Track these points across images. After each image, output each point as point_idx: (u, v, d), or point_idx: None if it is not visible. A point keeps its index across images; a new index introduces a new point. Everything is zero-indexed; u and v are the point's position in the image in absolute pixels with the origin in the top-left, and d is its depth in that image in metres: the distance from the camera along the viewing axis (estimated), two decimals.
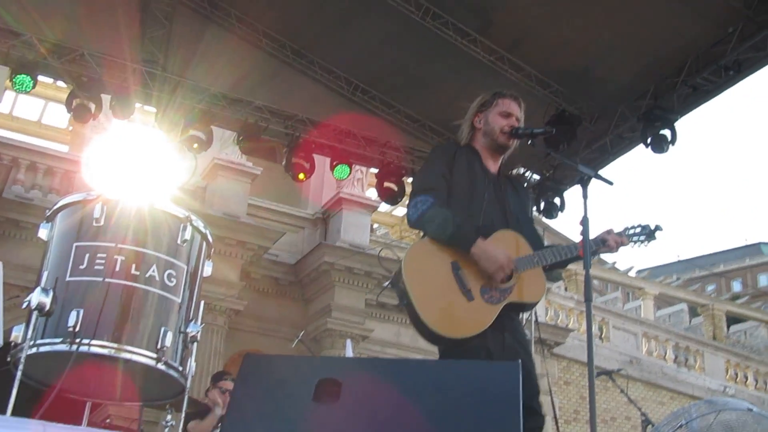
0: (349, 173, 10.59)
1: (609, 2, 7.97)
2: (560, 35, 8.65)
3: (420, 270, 3.84)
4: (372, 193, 15.09)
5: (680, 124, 8.54)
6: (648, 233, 4.22)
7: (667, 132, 8.50)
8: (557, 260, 4.04)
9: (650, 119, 8.52)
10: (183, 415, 3.70)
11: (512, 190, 4.29)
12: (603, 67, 8.81)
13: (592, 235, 4.02)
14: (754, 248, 69.33)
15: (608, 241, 4.12)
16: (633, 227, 4.24)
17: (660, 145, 8.51)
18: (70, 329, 3.32)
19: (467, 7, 8.58)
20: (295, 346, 10.47)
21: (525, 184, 9.93)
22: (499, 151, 4.27)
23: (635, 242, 4.22)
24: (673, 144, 8.50)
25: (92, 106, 9.25)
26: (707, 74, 8.11)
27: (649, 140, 8.56)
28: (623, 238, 4.19)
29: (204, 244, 3.89)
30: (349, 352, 8.96)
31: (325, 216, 16.83)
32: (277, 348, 14.29)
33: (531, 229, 4.24)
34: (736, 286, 59.79)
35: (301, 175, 10.13)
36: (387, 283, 3.97)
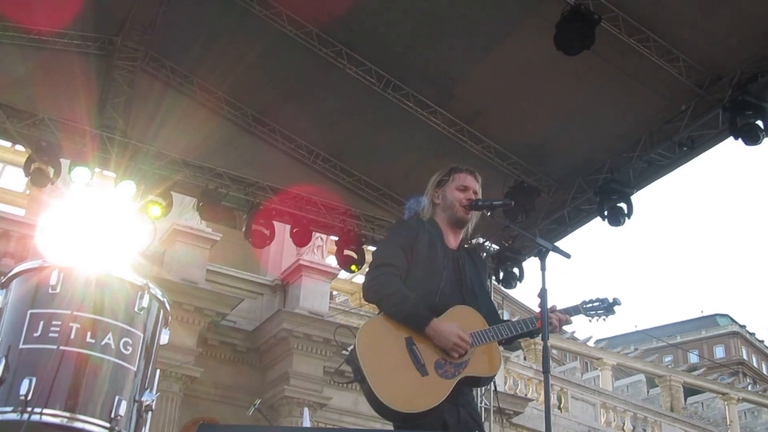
0: (309, 240, 10.59)
1: (567, 78, 8.15)
2: (519, 109, 8.81)
3: (374, 346, 3.85)
4: (332, 261, 15.08)
5: (637, 198, 8.68)
6: (606, 307, 4.21)
7: (623, 205, 8.62)
8: (512, 335, 4.05)
9: (606, 192, 8.65)
10: None
11: (471, 263, 4.32)
12: (561, 140, 8.97)
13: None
14: (710, 320, 70.09)
15: (551, 320, 4.12)
16: (591, 301, 4.24)
17: (616, 218, 8.62)
18: (22, 398, 3.25)
19: (428, 79, 8.73)
20: (252, 414, 10.33)
21: (484, 255, 10.08)
22: (458, 225, 4.31)
23: (593, 316, 4.23)
24: (629, 217, 8.62)
25: (50, 171, 9.20)
26: (662, 150, 8.28)
27: (605, 213, 8.67)
28: (566, 315, 4.18)
29: (161, 311, 3.85)
30: (307, 421, 8.87)
31: (284, 283, 16.76)
32: (233, 416, 14.07)
33: (488, 304, 4.26)
34: (693, 358, 60.20)
35: (261, 242, 10.12)
36: (344, 360, 3.96)
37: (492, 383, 10.85)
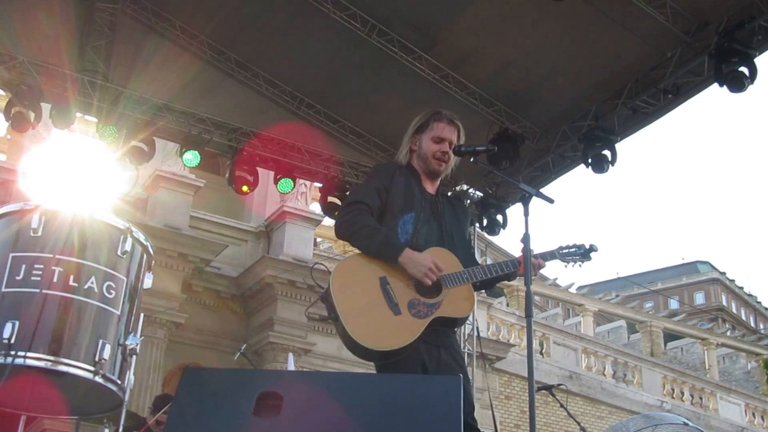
0: (293, 187, 10.57)
1: (552, 25, 8.10)
2: (504, 56, 8.76)
3: (348, 284, 3.87)
4: (316, 207, 15.08)
5: (621, 145, 8.70)
6: (583, 253, 4.24)
7: (607, 152, 8.64)
8: (487, 277, 4.07)
9: (591, 140, 8.66)
10: (121, 428, 3.64)
11: (451, 209, 4.33)
12: (546, 87, 8.93)
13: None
14: (691, 267, 70.84)
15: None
16: (567, 247, 4.26)
17: (600, 166, 8.65)
18: (5, 341, 3.25)
19: (413, 25, 8.64)
20: (237, 359, 10.40)
21: (467, 201, 10.10)
22: (432, 176, 4.31)
23: (569, 261, 4.25)
24: (613, 164, 8.64)
25: (31, 115, 9.10)
26: (646, 97, 8.27)
27: (589, 160, 8.68)
28: (541, 260, 4.19)
29: (144, 255, 3.84)
30: (291, 366, 8.93)
31: (268, 229, 16.77)
32: (218, 361, 14.17)
33: (466, 249, 4.28)
34: (673, 304, 60.91)
35: (245, 188, 10.08)
36: (319, 297, 3.98)
37: (475, 328, 10.99)
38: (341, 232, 4.05)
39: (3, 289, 3.40)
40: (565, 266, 4.24)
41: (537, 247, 4.11)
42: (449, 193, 4.51)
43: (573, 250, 4.25)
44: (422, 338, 3.79)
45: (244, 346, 10.86)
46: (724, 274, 69.31)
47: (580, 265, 4.27)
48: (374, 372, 3.92)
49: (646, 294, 58.31)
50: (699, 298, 66.10)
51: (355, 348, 3.77)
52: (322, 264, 4.37)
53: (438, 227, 4.18)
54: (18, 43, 9.07)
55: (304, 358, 15.15)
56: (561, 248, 4.26)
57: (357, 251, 4.04)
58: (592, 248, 4.25)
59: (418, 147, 4.29)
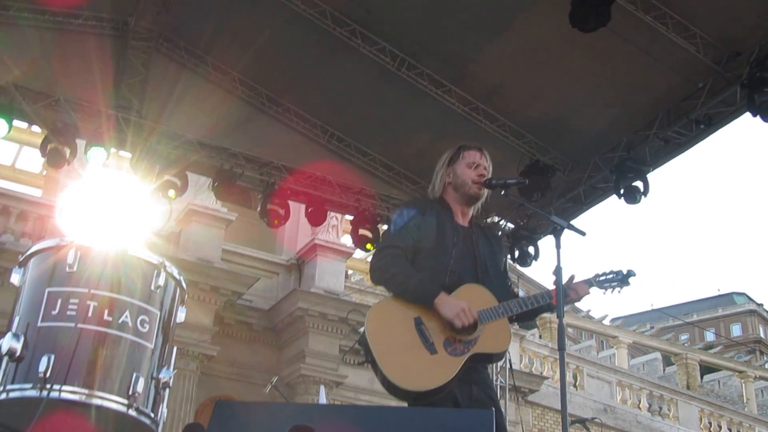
0: (324, 220, 10.61)
1: (582, 56, 8.10)
2: (534, 87, 8.77)
3: (383, 327, 3.88)
4: (347, 240, 15.11)
5: (653, 176, 8.65)
6: (621, 279, 4.19)
7: (639, 183, 8.59)
8: (523, 310, 4.04)
9: (623, 171, 8.62)
10: None
11: (485, 240, 4.32)
12: (576, 118, 8.92)
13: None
14: (727, 298, 69.84)
15: (569, 294, 4.11)
16: (605, 273, 4.23)
17: (633, 197, 8.60)
18: (41, 375, 3.29)
19: (442, 58, 8.69)
20: (268, 391, 10.40)
21: (499, 233, 10.08)
22: (470, 203, 4.31)
23: (607, 288, 4.21)
24: (645, 195, 8.59)
25: (67, 152, 9.25)
26: (678, 127, 8.24)
27: (621, 191, 8.64)
28: (586, 286, 4.17)
29: (178, 290, 3.88)
30: (323, 399, 8.92)
31: (299, 262, 16.81)
32: (249, 394, 14.15)
33: (502, 281, 4.26)
34: (709, 336, 60.11)
35: (276, 222, 10.14)
36: (356, 342, 3.99)
37: (507, 361, 10.93)
38: (376, 278, 4.07)
39: (39, 324, 3.45)
40: (604, 293, 4.20)
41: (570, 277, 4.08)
42: (482, 224, 4.49)
43: (611, 276, 4.20)
44: (455, 375, 3.78)
45: (276, 378, 10.86)
46: (761, 305, 68.24)
47: (619, 291, 4.20)
48: (406, 406, 3.91)
49: (682, 326, 57.59)
50: (736, 330, 65.10)
51: (393, 389, 3.76)
52: (350, 296, 4.39)
53: (472, 262, 4.17)
54: (54, 81, 9.24)
55: (335, 390, 15.10)
56: (598, 276, 4.22)
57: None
58: (630, 273, 4.21)
59: (453, 177, 4.30)
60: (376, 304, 4.02)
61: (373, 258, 4.13)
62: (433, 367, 3.76)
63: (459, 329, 3.86)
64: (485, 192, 4.29)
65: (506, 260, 10.09)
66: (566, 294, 4.08)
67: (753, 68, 7.33)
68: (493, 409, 3.33)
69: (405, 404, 3.93)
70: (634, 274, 4.21)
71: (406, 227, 4.15)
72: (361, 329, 3.87)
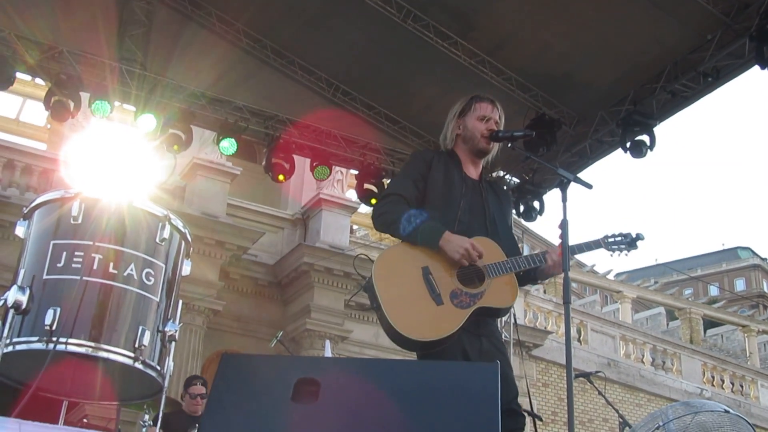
0: (329, 174, 10.58)
1: (589, 9, 8.01)
2: (541, 40, 8.68)
3: (390, 274, 3.87)
4: (352, 194, 15.09)
5: (659, 130, 8.60)
6: (629, 242, 4.19)
7: (645, 137, 8.55)
8: (530, 266, 4.05)
9: (629, 124, 8.56)
10: (160, 414, 3.68)
11: (494, 195, 4.30)
12: (583, 71, 8.84)
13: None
14: (731, 253, 69.97)
15: (550, 257, 4.10)
16: (614, 236, 4.21)
17: (639, 150, 8.56)
18: (47, 328, 3.29)
19: (449, 10, 8.59)
20: (274, 346, 10.46)
21: (505, 188, 10.05)
22: (479, 156, 4.28)
23: (615, 250, 4.20)
24: (651, 149, 8.55)
25: (71, 104, 9.19)
26: (686, 80, 8.17)
27: (627, 145, 8.60)
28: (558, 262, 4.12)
29: (183, 243, 3.87)
30: (328, 353, 8.97)
31: (304, 217, 16.82)
32: (255, 348, 14.27)
33: (509, 237, 4.24)
34: (713, 291, 60.29)
35: (281, 176, 10.12)
36: (361, 287, 3.99)
37: (512, 316, 10.96)
38: (378, 224, 4.05)
39: (44, 276, 3.44)
40: (611, 255, 4.21)
41: (576, 233, 4.09)
42: (488, 178, 4.46)
43: (619, 239, 4.20)
44: (463, 327, 3.77)
45: (281, 332, 10.92)
46: (765, 260, 68.36)
47: (626, 254, 4.22)
48: (411, 359, 3.92)
49: (686, 281, 57.77)
50: (740, 285, 65.31)
51: (396, 338, 3.76)
52: (364, 255, 4.36)
53: (482, 215, 4.15)
54: (57, 33, 9.17)
55: (341, 345, 15.20)
56: (606, 237, 4.21)
57: (398, 241, 4.04)
58: (639, 237, 4.20)
59: (463, 129, 4.27)
60: (384, 252, 4.02)
61: (375, 206, 4.12)
62: (438, 318, 3.77)
63: (467, 281, 3.86)
64: (494, 146, 4.26)
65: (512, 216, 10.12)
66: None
67: (762, 20, 7.24)
68: (498, 362, 3.33)
69: (410, 357, 3.94)
70: (642, 238, 4.22)
71: (412, 178, 4.13)
72: (368, 275, 3.86)
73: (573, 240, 4.06)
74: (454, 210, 4.07)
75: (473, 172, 4.28)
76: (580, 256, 4.56)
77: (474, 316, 3.82)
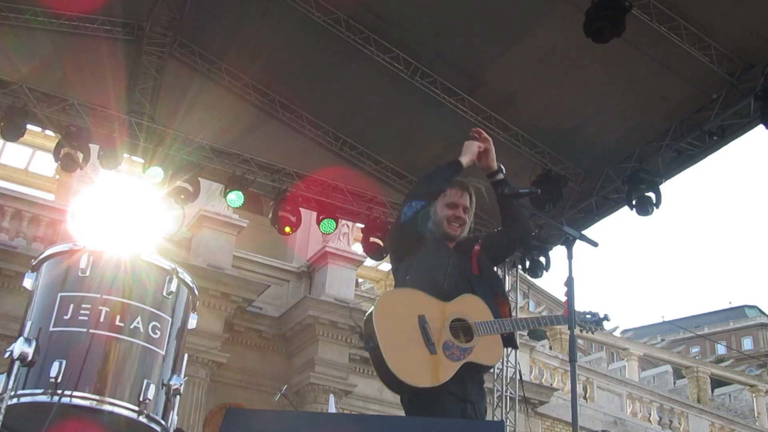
0: (335, 228, 10.61)
1: (596, 66, 8.09)
2: (548, 97, 8.76)
3: (389, 318, 3.93)
4: (358, 248, 15.09)
5: (665, 187, 8.62)
6: (597, 321, 4.27)
7: (651, 194, 8.57)
8: (517, 330, 4.18)
9: (635, 182, 8.59)
10: None
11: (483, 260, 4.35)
12: (589, 129, 8.91)
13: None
14: (738, 311, 69.47)
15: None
16: (585, 312, 4.27)
17: (645, 208, 8.57)
18: (52, 380, 3.28)
19: (456, 66, 8.69)
20: (278, 399, 10.39)
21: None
22: (448, 240, 4.30)
23: (585, 328, 4.26)
24: (657, 207, 8.57)
25: (80, 156, 9.28)
26: (691, 139, 8.22)
27: (633, 202, 8.62)
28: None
29: (190, 296, 3.87)
30: (332, 408, 8.89)
31: (310, 270, 16.80)
32: (259, 401, 14.14)
33: (491, 299, 4.26)
34: (720, 349, 59.77)
35: (288, 229, 10.15)
36: (360, 334, 4.03)
37: (517, 372, 10.88)
38: (418, 194, 4.27)
39: (51, 329, 3.44)
40: (580, 331, 4.26)
41: (581, 290, 4.11)
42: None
43: (589, 316, 4.27)
44: (449, 389, 3.81)
45: (285, 386, 10.85)
46: None
47: (592, 332, 4.38)
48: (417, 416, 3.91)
49: (693, 339, 57.32)
50: (747, 344, 64.73)
51: (388, 378, 3.80)
52: (360, 305, 4.44)
53: (465, 276, 4.17)
54: (67, 86, 9.29)
55: (345, 399, 15.07)
56: (579, 313, 4.25)
57: (398, 287, 4.09)
58: (606, 318, 4.30)
59: (433, 214, 4.29)
60: (385, 294, 4.11)
61: (402, 207, 4.21)
62: (431, 367, 3.82)
63: (457, 335, 3.88)
64: (461, 231, 4.29)
65: (513, 272, 10.03)
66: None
67: (767, 80, 7.31)
68: (504, 420, 3.31)
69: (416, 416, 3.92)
70: (608, 319, 4.33)
71: (416, 212, 4.19)
72: (367, 316, 3.91)
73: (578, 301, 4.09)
74: (444, 267, 4.11)
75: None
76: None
77: (461, 372, 3.86)
